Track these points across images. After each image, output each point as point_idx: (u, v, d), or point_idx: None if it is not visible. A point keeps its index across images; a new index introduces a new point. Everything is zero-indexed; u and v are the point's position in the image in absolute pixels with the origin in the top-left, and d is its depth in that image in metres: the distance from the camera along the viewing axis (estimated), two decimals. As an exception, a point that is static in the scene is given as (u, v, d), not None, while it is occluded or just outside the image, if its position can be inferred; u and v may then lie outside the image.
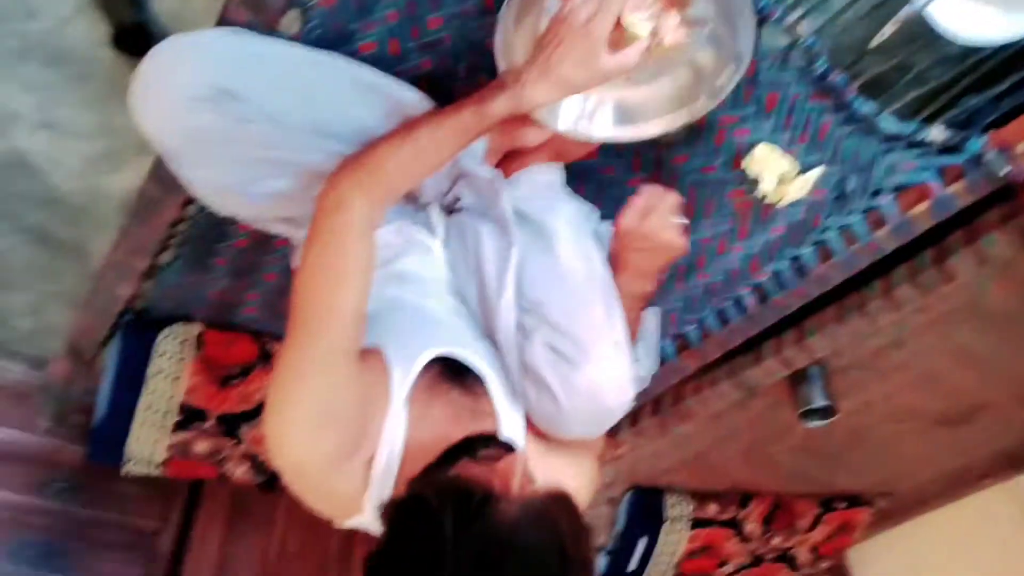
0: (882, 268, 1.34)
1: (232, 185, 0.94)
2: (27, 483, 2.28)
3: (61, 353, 1.50)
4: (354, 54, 1.00)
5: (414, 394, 0.86)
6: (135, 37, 1.44)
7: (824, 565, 2.09)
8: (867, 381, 1.60)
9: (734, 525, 1.95)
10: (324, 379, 0.79)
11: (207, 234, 1.28)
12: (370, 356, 0.87)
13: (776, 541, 1.99)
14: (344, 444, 0.80)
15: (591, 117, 0.99)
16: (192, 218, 1.25)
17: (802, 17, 0.92)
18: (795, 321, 1.46)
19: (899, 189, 1.14)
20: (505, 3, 0.89)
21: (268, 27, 0.93)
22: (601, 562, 2.08)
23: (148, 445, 1.51)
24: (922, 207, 1.13)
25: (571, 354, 0.91)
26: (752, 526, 1.96)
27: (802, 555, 2.03)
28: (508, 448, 0.82)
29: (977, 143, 1.05)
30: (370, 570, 0.69)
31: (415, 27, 0.98)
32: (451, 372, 0.91)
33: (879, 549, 2.23)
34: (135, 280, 1.33)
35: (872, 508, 2.02)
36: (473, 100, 0.88)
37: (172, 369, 1.42)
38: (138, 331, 1.43)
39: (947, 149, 1.08)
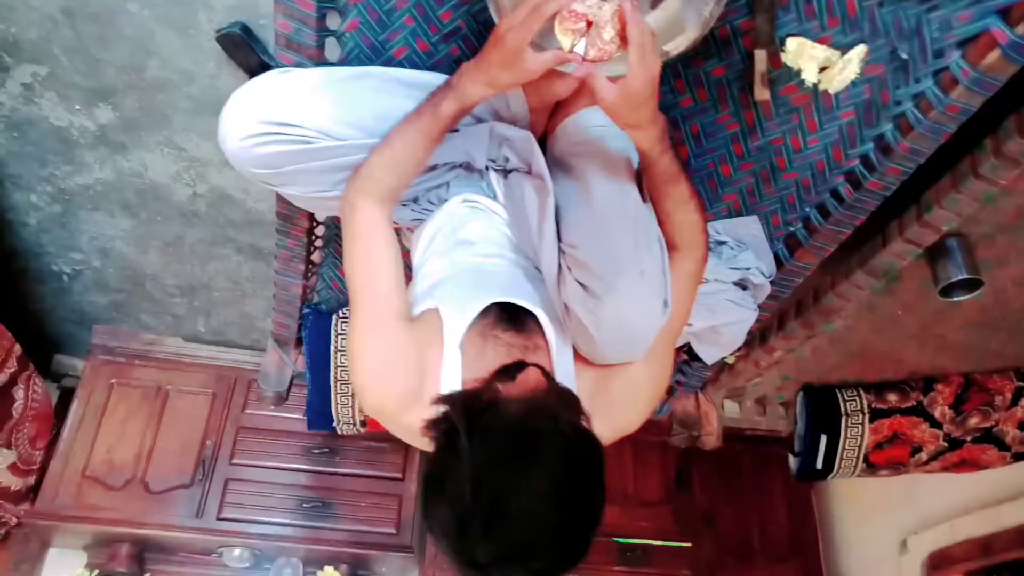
0: (994, 125, 1.25)
1: (318, 193, 1.14)
2: (295, 452, 2.80)
3: (270, 347, 1.84)
4: (392, 60, 1.15)
5: (468, 339, 1.02)
6: (265, 76, 1.71)
7: (1042, 441, 1.93)
8: (1022, 243, 1.48)
9: (920, 411, 1.88)
10: (377, 338, 0.99)
11: (340, 232, 1.51)
12: (427, 315, 1.05)
13: (974, 421, 1.88)
14: (408, 388, 0.99)
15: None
16: (324, 223, 1.49)
17: (774, -90, 0.91)
18: (915, 196, 1.40)
19: (963, 44, 1.07)
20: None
21: (315, 60, 1.11)
22: (793, 464, 2.11)
23: (347, 411, 1.81)
24: (993, 56, 1.05)
25: (597, 289, 0.99)
26: (941, 409, 1.87)
27: (1010, 432, 1.90)
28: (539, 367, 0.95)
29: (1034, -26, 0.96)
30: (422, 480, 0.87)
31: (432, 24, 1.10)
32: (508, 317, 1.05)
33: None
34: (300, 280, 1.60)
35: (1089, 373, 1.83)
36: (430, 102, 1.01)
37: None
38: (317, 320, 1.72)
39: (1001, -11, 1.00)
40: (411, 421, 0.98)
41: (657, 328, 1.01)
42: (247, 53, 1.68)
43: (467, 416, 0.82)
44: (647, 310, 0.99)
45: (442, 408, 0.86)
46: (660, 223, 1.12)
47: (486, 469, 0.80)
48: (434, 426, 0.86)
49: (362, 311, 1.02)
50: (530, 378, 0.91)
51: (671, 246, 1.11)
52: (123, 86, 1.83)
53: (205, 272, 2.59)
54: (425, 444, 1.04)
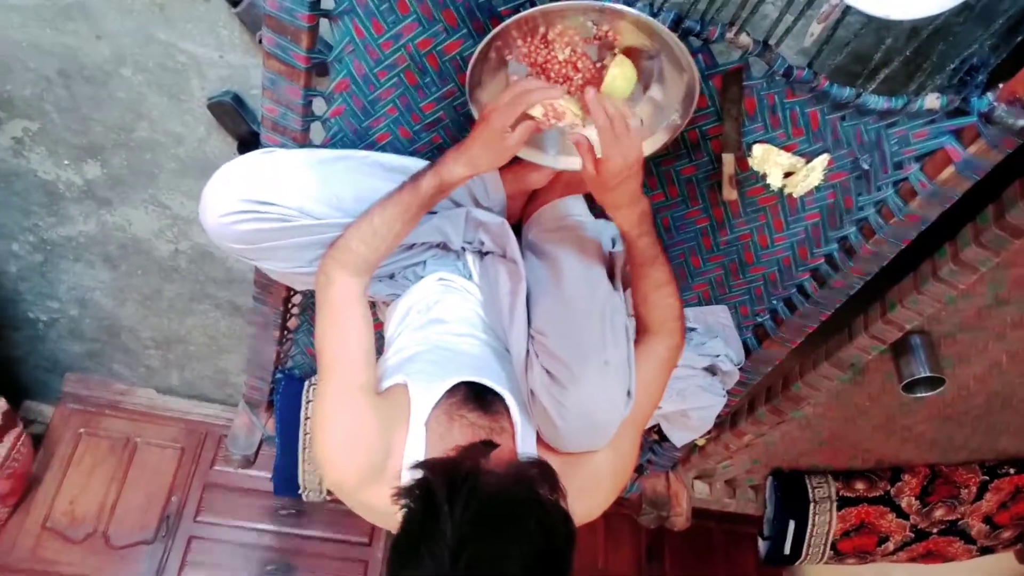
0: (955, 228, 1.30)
1: (294, 269, 1.16)
2: (262, 513, 2.76)
3: (240, 409, 1.84)
4: (374, 145, 1.19)
5: (433, 418, 1.02)
6: (253, 143, 1.75)
7: (1008, 535, 1.94)
8: (983, 343, 1.51)
9: (887, 501, 1.89)
10: (343, 412, 0.99)
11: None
12: (395, 389, 1.05)
13: (939, 513, 1.89)
14: (372, 464, 0.98)
15: (571, 152, 1.09)
16: (301, 291, 1.50)
17: (741, 30, 0.96)
18: (882, 292, 1.44)
19: (921, 158, 1.12)
20: (468, 77, 1.03)
21: (299, 143, 1.14)
22: (762, 547, 2.10)
23: (314, 478, 1.80)
24: (948, 172, 1.10)
25: (562, 377, 1.01)
26: (908, 500, 1.88)
27: (975, 526, 1.91)
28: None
29: (983, 101, 1.02)
30: (393, 547, 0.85)
31: (414, 114, 1.14)
32: (475, 398, 1.05)
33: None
34: (274, 346, 1.61)
35: (1054, 470, 1.85)
36: (411, 180, 1.04)
37: (318, 413, 1.69)
38: (290, 385, 1.73)
39: (955, 112, 1.05)
40: (371, 498, 0.98)
41: (620, 418, 1.02)
42: (237, 121, 1.72)
43: (449, 483, 0.82)
44: (611, 400, 1.00)
45: (419, 474, 0.86)
46: (636, 305, 1.14)
47: (467, 536, 0.79)
48: (409, 492, 0.86)
49: (330, 383, 1.01)
50: (504, 453, 0.91)
51: (645, 330, 1.13)
52: (112, 144, 1.86)
53: (182, 326, 2.58)
54: (383, 521, 1.04)
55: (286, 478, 1.81)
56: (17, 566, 2.49)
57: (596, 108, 0.93)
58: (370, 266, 1.07)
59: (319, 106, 1.13)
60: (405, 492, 0.87)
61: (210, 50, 1.61)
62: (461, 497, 0.81)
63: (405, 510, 0.87)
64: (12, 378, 2.86)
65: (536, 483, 0.86)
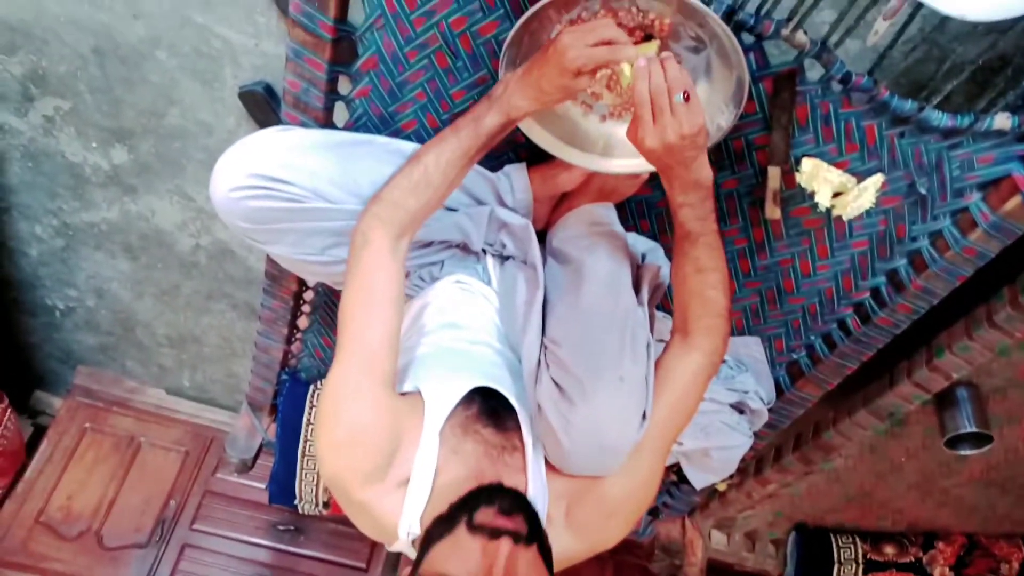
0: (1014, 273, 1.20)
1: (305, 256, 1.09)
2: (259, 526, 2.67)
3: (243, 410, 1.77)
4: (399, 132, 1.13)
5: (447, 429, 0.93)
6: (282, 138, 1.71)
7: (1049, 618, 1.79)
8: (1037, 401, 1.40)
9: (918, 569, 1.75)
10: (355, 401, 0.89)
11: (331, 298, 1.46)
12: (409, 394, 0.96)
13: (975, 588, 1.75)
14: (376, 465, 0.89)
15: (607, 153, 1.03)
16: (314, 288, 1.44)
17: (798, 27, 0.89)
18: (929, 339, 1.34)
19: (984, 186, 1.03)
20: (501, 60, 0.96)
21: (320, 123, 1.09)
22: (777, 609, 1.97)
23: (311, 488, 1.72)
24: (1015, 202, 1.01)
25: (572, 391, 0.92)
26: (941, 570, 1.75)
27: (1015, 606, 1.76)
28: (516, 499, 0.86)
29: (1061, 124, 0.93)
30: None
31: (443, 101, 1.09)
32: (488, 413, 0.97)
33: None
34: (282, 345, 1.54)
35: (1103, 551, 1.71)
36: (468, 117, 0.94)
37: (321, 420, 1.62)
38: (295, 388, 1.65)
39: (1026, 135, 0.97)
40: (367, 499, 0.89)
41: (632, 442, 0.92)
42: (268, 112, 1.68)
43: None
44: (622, 421, 0.91)
45: None
46: (675, 294, 1.02)
47: None
48: None
49: (347, 365, 0.91)
50: (496, 553, 0.80)
51: (682, 327, 1.01)
52: (141, 129, 1.84)
53: (198, 325, 2.54)
54: (374, 528, 0.95)
55: (283, 487, 1.73)
56: (7, 558, 2.43)
57: (640, 77, 0.83)
58: (416, 224, 0.98)
59: (344, 86, 1.07)
60: None
61: (246, 37, 1.58)
62: None
63: None
64: (25, 366, 2.83)
65: None
